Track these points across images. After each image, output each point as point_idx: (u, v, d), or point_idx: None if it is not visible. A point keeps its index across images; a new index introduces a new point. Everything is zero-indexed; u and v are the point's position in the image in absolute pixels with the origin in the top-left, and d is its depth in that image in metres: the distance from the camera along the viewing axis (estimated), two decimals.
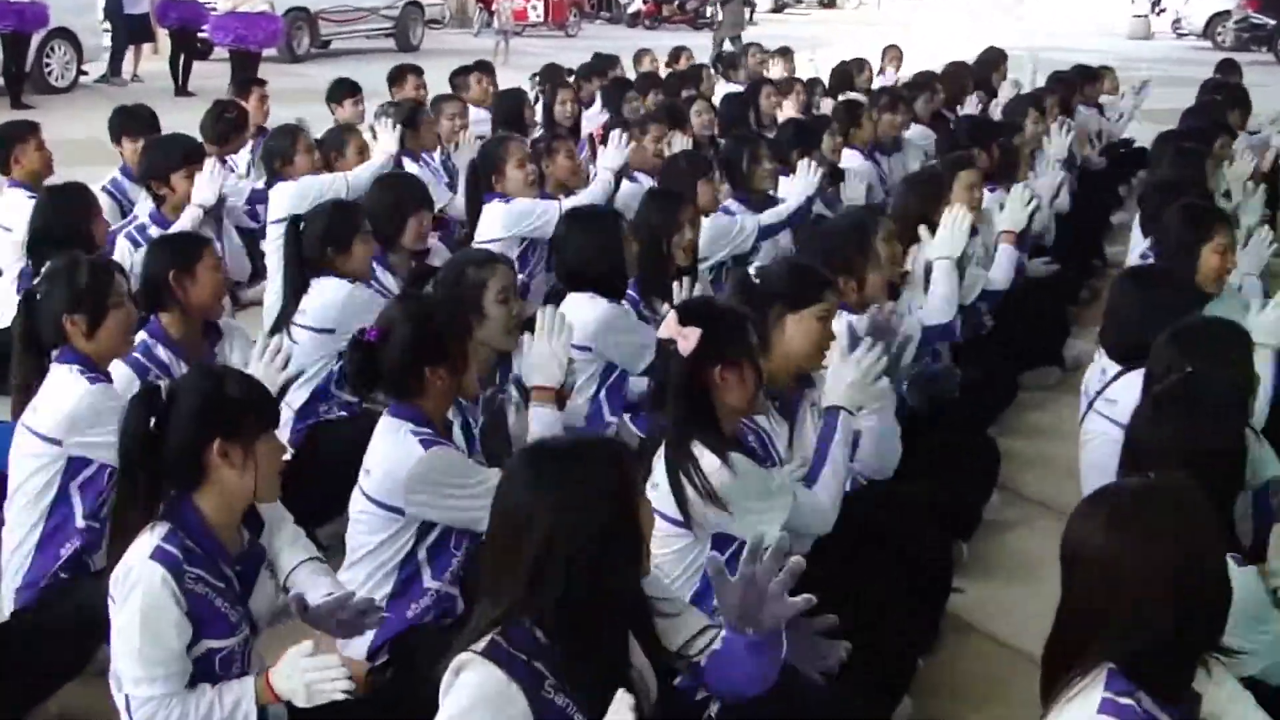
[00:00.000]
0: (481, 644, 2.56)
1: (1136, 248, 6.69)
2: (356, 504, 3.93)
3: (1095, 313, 7.98)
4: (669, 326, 3.52)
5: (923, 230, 5.63)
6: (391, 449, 3.83)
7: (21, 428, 4.16)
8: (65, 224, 5.60)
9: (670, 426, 3.58)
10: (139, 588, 3.06)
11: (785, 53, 13.78)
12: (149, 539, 3.11)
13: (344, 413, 5.28)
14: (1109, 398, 4.44)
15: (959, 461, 5.09)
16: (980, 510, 5.23)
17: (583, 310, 5.02)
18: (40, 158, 7.06)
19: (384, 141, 7.54)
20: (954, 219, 5.50)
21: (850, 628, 3.45)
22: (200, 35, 18.21)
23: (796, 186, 7.12)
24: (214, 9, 17.53)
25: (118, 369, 4.50)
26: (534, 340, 4.11)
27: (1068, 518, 2.60)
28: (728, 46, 21.27)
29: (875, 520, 4.38)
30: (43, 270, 4.36)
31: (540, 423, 4.05)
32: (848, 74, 12.25)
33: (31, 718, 3.91)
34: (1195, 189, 6.42)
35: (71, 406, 4.06)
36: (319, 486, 4.48)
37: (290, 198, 6.83)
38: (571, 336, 4.13)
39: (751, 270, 4.37)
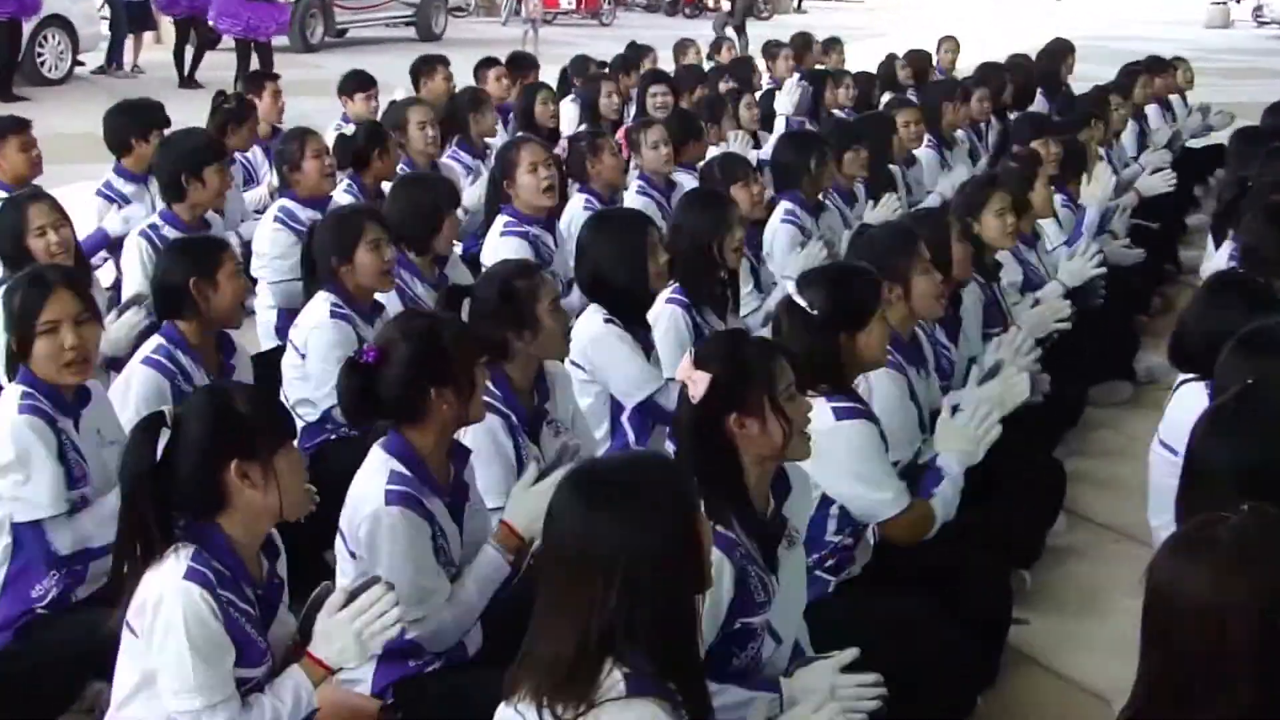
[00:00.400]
0: (619, 684, 2.56)
1: (1218, 255, 6.63)
2: (339, 536, 3.83)
3: (1168, 323, 7.93)
4: (684, 368, 3.45)
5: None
6: (364, 485, 3.73)
7: None
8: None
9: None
10: (179, 612, 3.06)
11: (835, 43, 13.65)
12: (176, 563, 3.11)
13: (355, 432, 5.14)
14: (1171, 412, 4.36)
15: (1022, 484, 5.02)
16: (1044, 536, 5.22)
17: (582, 325, 4.99)
18: (24, 158, 6.91)
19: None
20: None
21: (905, 664, 3.46)
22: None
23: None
24: None
25: (144, 374, 4.58)
26: (529, 483, 3.87)
27: (1150, 558, 2.50)
28: (729, 33, 20.91)
29: (931, 548, 4.34)
30: None
31: (490, 566, 3.80)
32: (896, 68, 12.25)
33: None
34: None
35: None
36: (327, 508, 4.43)
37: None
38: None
39: (791, 289, 4.26)
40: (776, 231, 6.86)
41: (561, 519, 2.66)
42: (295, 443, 3.40)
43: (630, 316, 5.06)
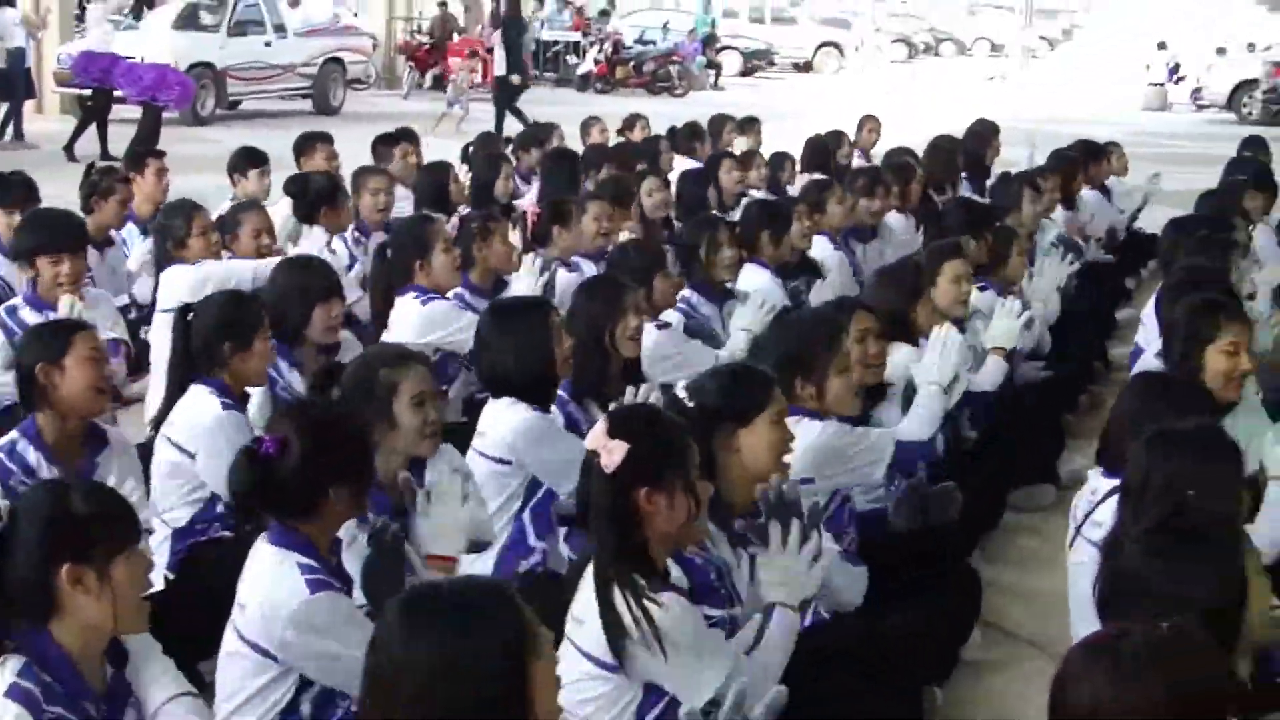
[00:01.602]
0: None
1: (1149, 349, 6.70)
2: (229, 642, 3.81)
3: (1096, 423, 8.04)
4: (596, 437, 3.52)
5: (907, 350, 5.72)
6: (273, 585, 3.71)
7: None
8: None
9: (596, 552, 3.55)
10: None
11: (752, 123, 13.80)
12: (2, 676, 3.08)
13: (227, 531, 5.15)
14: (1096, 520, 4.38)
15: (936, 594, 5.04)
16: (958, 650, 5.22)
17: (502, 418, 5.03)
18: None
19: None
20: (944, 341, 5.45)
21: None
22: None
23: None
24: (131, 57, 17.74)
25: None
26: (433, 502, 4.03)
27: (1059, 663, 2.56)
28: None
29: (835, 664, 4.34)
30: None
31: None
32: (823, 148, 12.24)
33: None
34: (1216, 285, 6.34)
35: None
36: (200, 613, 4.35)
37: (186, 284, 6.77)
38: (482, 502, 4.00)
39: (680, 388, 4.26)
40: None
41: (381, 646, 2.55)
42: (139, 547, 3.37)
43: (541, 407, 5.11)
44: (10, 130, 19.46)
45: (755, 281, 7.46)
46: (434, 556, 3.94)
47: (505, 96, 22.13)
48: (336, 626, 3.65)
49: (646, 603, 3.44)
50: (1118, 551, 3.34)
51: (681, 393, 4.16)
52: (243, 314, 5.33)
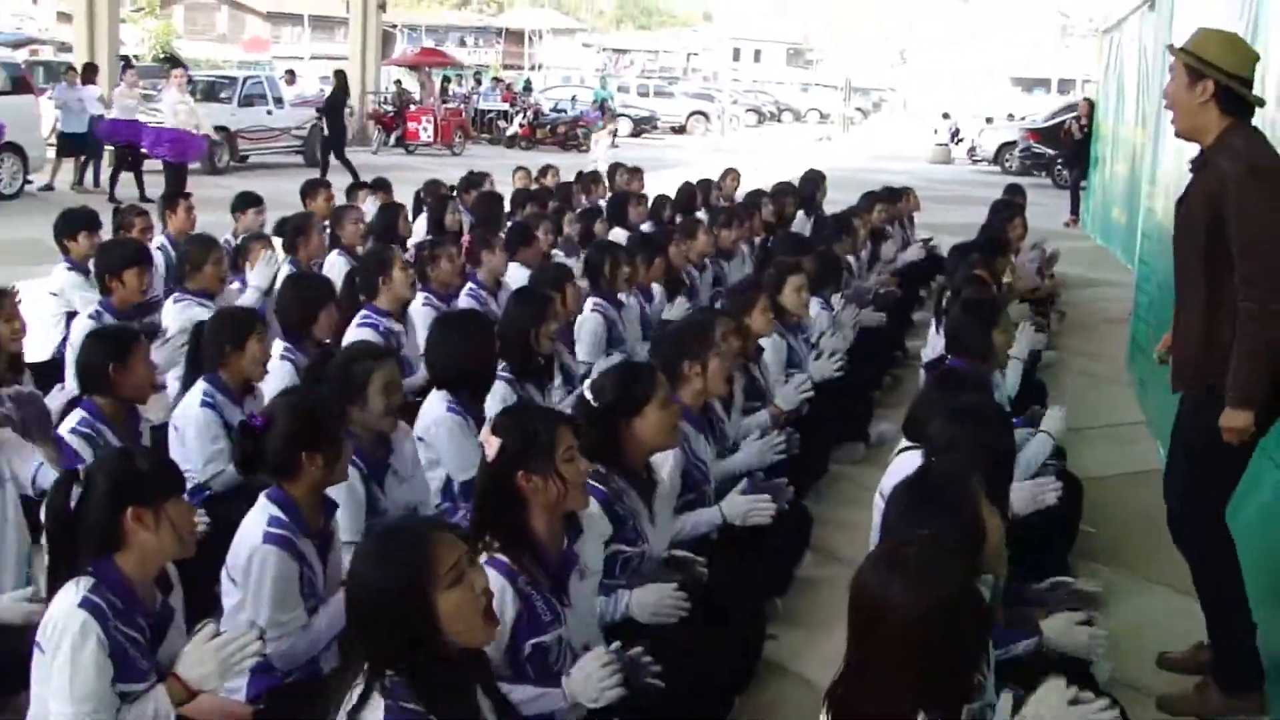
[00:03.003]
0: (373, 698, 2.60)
1: (933, 342, 6.81)
2: (224, 569, 3.78)
3: (895, 397, 8.18)
4: (483, 433, 3.49)
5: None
6: (248, 526, 3.72)
7: None
8: None
9: (471, 524, 3.49)
10: (68, 632, 3.05)
11: (637, 171, 13.68)
12: (74, 591, 3.10)
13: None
14: (890, 472, 4.38)
15: (775, 527, 4.96)
16: (793, 569, 5.27)
17: (430, 406, 4.94)
18: None
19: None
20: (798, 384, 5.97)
21: (675, 670, 3.47)
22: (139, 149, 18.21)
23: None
24: (160, 122, 17.43)
25: (76, 443, 4.50)
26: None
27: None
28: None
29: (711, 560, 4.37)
30: None
31: (337, 607, 3.59)
32: (693, 192, 12.26)
33: None
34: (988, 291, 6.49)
35: None
36: (218, 551, 4.29)
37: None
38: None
39: (585, 390, 4.23)
40: (585, 320, 6.96)
41: (355, 559, 2.75)
42: (184, 495, 3.37)
43: (474, 397, 5.01)
44: (90, 178, 19.34)
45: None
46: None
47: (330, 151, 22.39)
48: (264, 576, 3.61)
49: None
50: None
51: (588, 394, 4.14)
52: (237, 321, 5.27)
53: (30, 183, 18.40)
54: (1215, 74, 4.07)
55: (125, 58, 22.02)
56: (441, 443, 4.82)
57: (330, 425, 3.85)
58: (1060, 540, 5.32)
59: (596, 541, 3.75)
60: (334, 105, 22.87)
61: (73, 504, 3.20)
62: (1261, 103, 4.31)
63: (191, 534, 3.31)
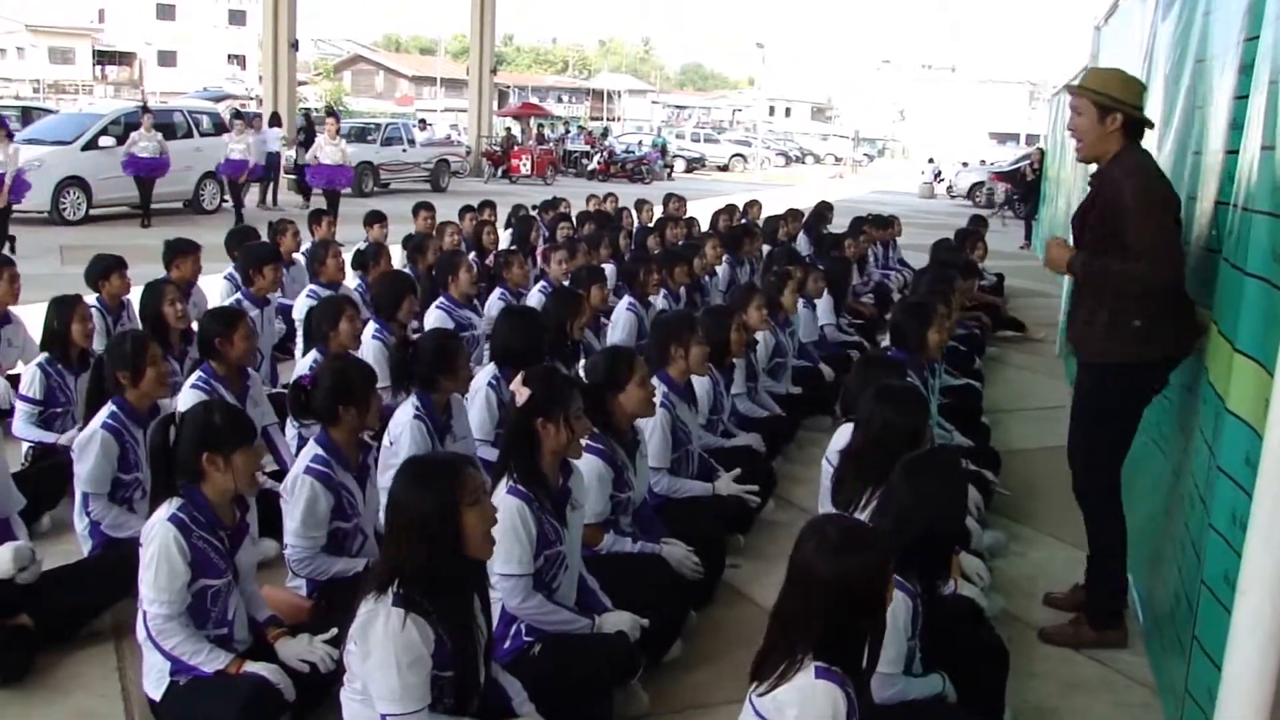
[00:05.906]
0: (389, 595, 2.60)
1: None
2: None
3: None
4: (516, 383, 3.41)
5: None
6: (300, 458, 3.79)
7: None
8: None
9: (499, 456, 3.43)
10: (156, 539, 3.11)
11: (680, 198, 13.35)
12: (167, 509, 3.15)
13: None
14: (834, 440, 4.28)
15: (745, 478, 4.86)
16: (757, 512, 5.11)
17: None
18: (9, 289, 6.00)
19: None
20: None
21: (641, 582, 3.50)
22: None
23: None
24: (316, 159, 17.27)
25: (192, 394, 4.53)
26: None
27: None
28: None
29: (670, 514, 4.32)
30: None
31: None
32: (717, 218, 12.00)
33: (89, 628, 3.90)
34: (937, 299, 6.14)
35: None
36: None
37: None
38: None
39: (580, 370, 4.21)
40: (618, 317, 6.89)
41: (394, 484, 2.72)
42: (253, 445, 3.31)
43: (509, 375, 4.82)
44: (270, 198, 19.83)
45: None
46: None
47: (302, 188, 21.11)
48: (300, 498, 3.66)
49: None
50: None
51: (582, 373, 4.06)
52: (332, 306, 5.28)
53: (226, 201, 18.38)
54: (1124, 107, 3.90)
55: (275, 113, 22.53)
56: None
57: (360, 384, 3.81)
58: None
59: (591, 485, 3.76)
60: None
61: (171, 442, 3.23)
62: (1152, 125, 4.17)
63: (253, 481, 3.28)
